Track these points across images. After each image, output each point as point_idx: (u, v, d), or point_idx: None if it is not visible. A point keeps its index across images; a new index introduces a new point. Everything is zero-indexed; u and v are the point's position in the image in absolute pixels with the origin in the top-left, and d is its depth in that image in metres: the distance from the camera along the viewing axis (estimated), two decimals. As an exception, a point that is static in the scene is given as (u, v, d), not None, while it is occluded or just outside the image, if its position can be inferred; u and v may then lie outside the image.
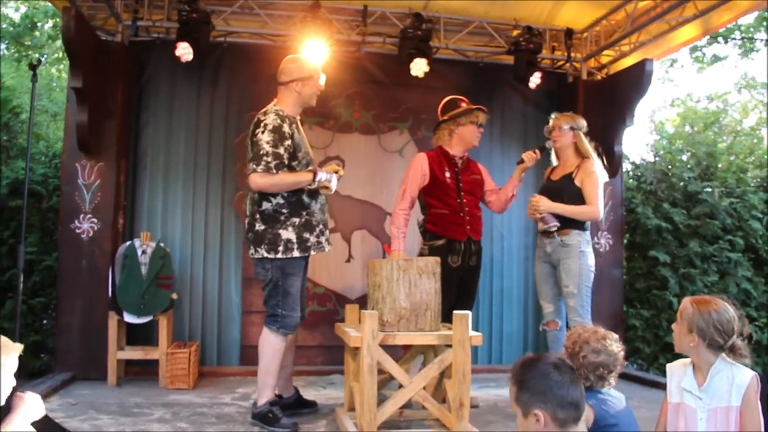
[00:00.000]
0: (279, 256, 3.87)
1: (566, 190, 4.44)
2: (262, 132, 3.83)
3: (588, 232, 4.51)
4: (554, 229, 4.39)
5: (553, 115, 4.70)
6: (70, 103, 5.30)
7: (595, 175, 4.40)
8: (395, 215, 4.60)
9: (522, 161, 4.64)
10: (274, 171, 3.77)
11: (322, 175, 3.91)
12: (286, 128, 3.86)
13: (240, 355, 5.74)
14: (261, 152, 3.78)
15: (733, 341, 2.49)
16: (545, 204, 4.40)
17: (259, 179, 3.79)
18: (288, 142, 3.84)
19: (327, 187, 3.96)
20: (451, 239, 4.49)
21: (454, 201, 4.56)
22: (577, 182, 4.43)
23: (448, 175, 4.58)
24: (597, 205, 4.36)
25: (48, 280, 5.83)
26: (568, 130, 4.53)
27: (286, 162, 3.84)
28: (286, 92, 4.05)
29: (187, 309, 5.69)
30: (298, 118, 4.12)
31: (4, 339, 2.27)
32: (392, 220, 4.64)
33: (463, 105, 4.66)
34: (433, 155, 4.65)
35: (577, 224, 4.41)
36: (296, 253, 3.90)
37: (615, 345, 2.56)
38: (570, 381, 1.94)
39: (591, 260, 4.43)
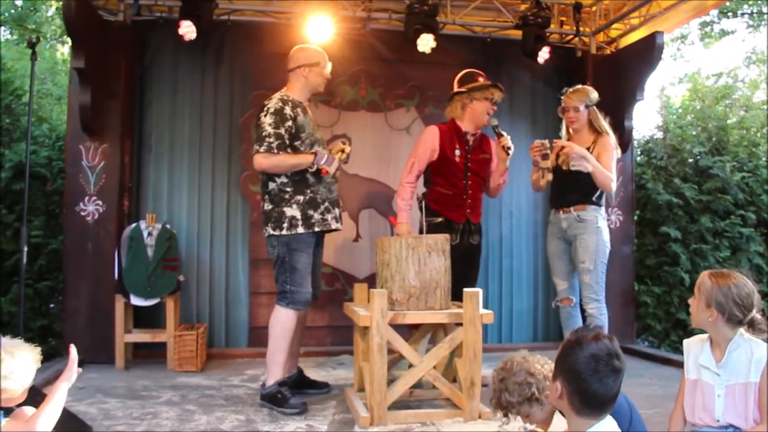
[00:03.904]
0: (284, 232, 3.96)
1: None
2: (265, 115, 3.98)
3: (603, 208, 4.42)
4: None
5: (564, 90, 4.55)
6: (72, 84, 5.25)
7: (612, 149, 4.31)
8: (401, 188, 4.53)
9: (508, 150, 4.48)
10: (276, 151, 3.89)
11: (320, 159, 3.96)
12: (288, 110, 3.98)
13: (248, 337, 5.70)
14: (264, 134, 3.93)
15: (753, 316, 2.42)
16: (577, 149, 4.25)
17: (262, 159, 3.93)
18: (289, 123, 3.96)
19: (327, 171, 3.99)
20: (450, 220, 4.44)
21: (460, 182, 4.49)
22: (595, 157, 4.30)
23: (458, 153, 4.50)
24: (612, 175, 4.28)
25: (54, 263, 5.78)
26: (584, 109, 4.40)
27: (288, 142, 3.95)
28: (294, 78, 4.17)
29: (195, 291, 5.65)
30: (306, 102, 4.21)
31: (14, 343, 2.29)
32: (398, 192, 4.58)
33: (480, 80, 4.57)
34: (445, 130, 4.56)
35: (593, 200, 4.32)
36: (300, 230, 3.96)
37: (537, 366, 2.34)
38: (603, 376, 1.84)
39: (607, 236, 4.36)
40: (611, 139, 4.37)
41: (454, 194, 4.48)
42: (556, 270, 4.54)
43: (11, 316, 5.28)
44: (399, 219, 4.49)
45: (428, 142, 4.52)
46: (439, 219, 4.42)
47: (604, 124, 4.42)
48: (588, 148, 4.34)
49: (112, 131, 5.35)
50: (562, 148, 4.33)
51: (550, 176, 4.39)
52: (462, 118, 4.57)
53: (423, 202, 4.48)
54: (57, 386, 2.28)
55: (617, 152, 4.41)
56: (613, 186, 4.32)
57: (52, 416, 2.21)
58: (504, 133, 4.50)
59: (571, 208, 4.36)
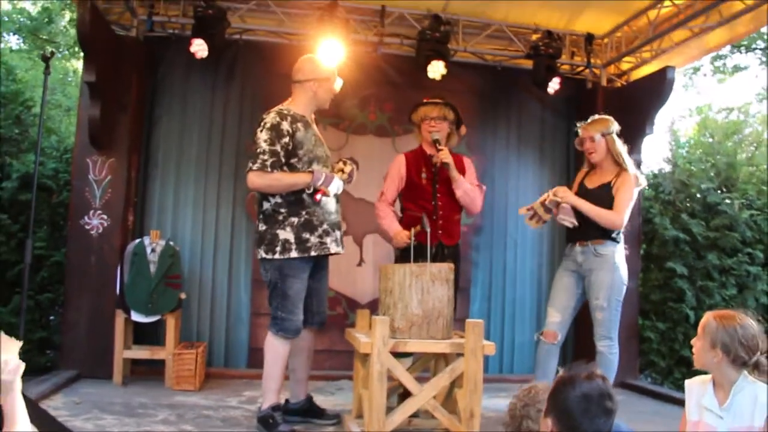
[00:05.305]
0: (276, 256, 3.80)
1: (604, 199, 4.20)
2: (261, 130, 3.81)
3: (621, 244, 4.30)
4: (570, 225, 4.20)
5: (579, 125, 4.44)
6: (83, 98, 5.30)
7: (633, 186, 4.20)
8: (379, 209, 4.52)
9: (444, 165, 4.40)
10: (269, 169, 3.72)
11: (317, 179, 3.79)
12: (285, 126, 3.80)
13: (248, 358, 5.72)
14: (258, 150, 3.75)
15: (758, 358, 2.41)
16: (568, 196, 4.19)
17: (255, 178, 3.75)
18: (285, 140, 3.78)
19: (324, 192, 3.82)
20: (421, 243, 4.16)
21: (429, 204, 4.43)
22: (614, 192, 4.19)
23: (424, 176, 4.47)
24: (622, 214, 4.14)
25: (56, 276, 5.82)
26: (600, 138, 4.26)
27: (283, 160, 3.78)
28: (300, 91, 4.01)
29: (196, 309, 5.68)
30: (312, 117, 4.08)
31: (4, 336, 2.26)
32: (378, 215, 4.52)
33: (424, 101, 4.61)
34: (410, 156, 4.58)
35: (612, 236, 4.21)
36: (294, 254, 3.81)
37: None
38: (594, 416, 1.84)
39: (624, 273, 4.24)
40: (632, 175, 4.23)
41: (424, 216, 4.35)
42: (554, 300, 4.39)
43: (11, 327, 5.28)
44: (391, 233, 4.41)
45: (394, 170, 4.55)
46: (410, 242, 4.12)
47: (623, 153, 4.27)
48: (609, 182, 4.24)
49: (120, 146, 5.39)
50: (555, 194, 4.22)
51: (538, 225, 4.37)
52: (423, 142, 4.59)
53: None
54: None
55: (639, 187, 4.30)
56: (621, 223, 4.17)
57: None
58: (442, 148, 4.39)
59: (589, 242, 4.24)
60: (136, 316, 5.01)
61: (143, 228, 5.61)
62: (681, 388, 2.66)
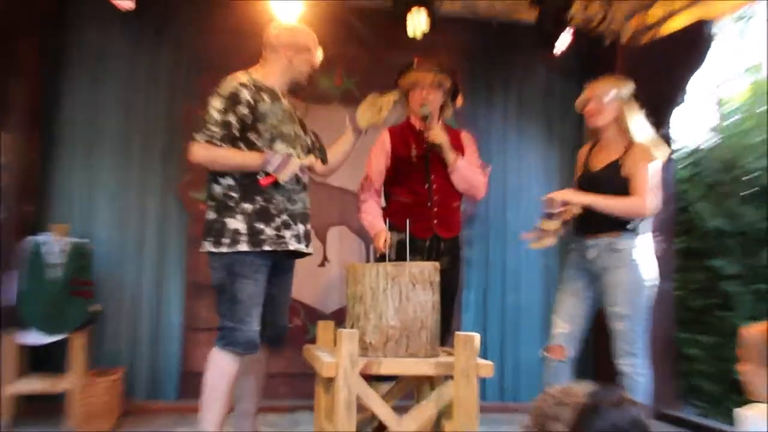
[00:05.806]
0: (224, 249, 3.62)
1: (613, 183, 4.04)
2: (214, 97, 3.71)
3: (646, 235, 4.09)
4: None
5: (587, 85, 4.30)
6: (-32, 59, 5.10)
7: (649, 159, 4.01)
8: (362, 206, 4.41)
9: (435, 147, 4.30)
10: (218, 142, 3.61)
11: (267, 162, 3.64)
12: (245, 95, 3.68)
13: (179, 386, 5.54)
14: (207, 120, 3.66)
15: None
16: (575, 198, 4.03)
17: (200, 150, 3.64)
18: (244, 111, 3.66)
19: (275, 179, 3.67)
20: (412, 236, 4.04)
21: (421, 186, 4.27)
22: (624, 173, 4.02)
23: (414, 153, 4.32)
24: (644, 197, 3.95)
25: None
26: (609, 99, 4.11)
27: (238, 134, 3.66)
28: (273, 58, 3.92)
29: (113, 325, 5.48)
30: (284, 91, 3.98)
31: None
32: (360, 207, 4.43)
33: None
34: (395, 130, 4.43)
35: (628, 227, 4.03)
36: (244, 247, 3.61)
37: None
38: None
39: (647, 271, 4.02)
40: (644, 145, 4.06)
41: (414, 202, 4.26)
42: (560, 307, 4.23)
43: None
44: (374, 230, 4.29)
45: (378, 147, 4.46)
46: (401, 236, 4.02)
47: (635, 119, 4.12)
48: (617, 160, 4.09)
49: (15, 119, 5.17)
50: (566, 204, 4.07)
51: (551, 241, 4.16)
52: (411, 113, 4.45)
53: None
54: None
55: (660, 158, 4.08)
56: (648, 208, 4.00)
57: None
58: (433, 126, 4.27)
59: (602, 235, 4.06)
60: (30, 337, 4.74)
61: (47, 222, 5.35)
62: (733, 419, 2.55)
